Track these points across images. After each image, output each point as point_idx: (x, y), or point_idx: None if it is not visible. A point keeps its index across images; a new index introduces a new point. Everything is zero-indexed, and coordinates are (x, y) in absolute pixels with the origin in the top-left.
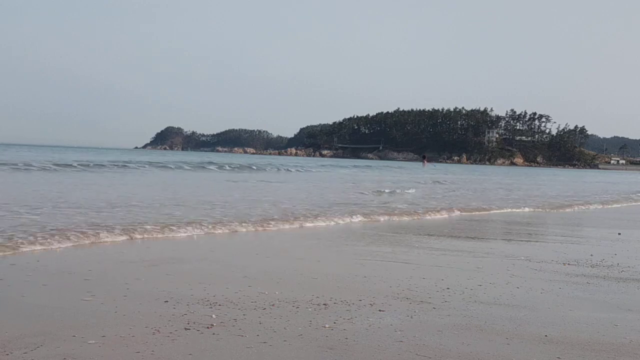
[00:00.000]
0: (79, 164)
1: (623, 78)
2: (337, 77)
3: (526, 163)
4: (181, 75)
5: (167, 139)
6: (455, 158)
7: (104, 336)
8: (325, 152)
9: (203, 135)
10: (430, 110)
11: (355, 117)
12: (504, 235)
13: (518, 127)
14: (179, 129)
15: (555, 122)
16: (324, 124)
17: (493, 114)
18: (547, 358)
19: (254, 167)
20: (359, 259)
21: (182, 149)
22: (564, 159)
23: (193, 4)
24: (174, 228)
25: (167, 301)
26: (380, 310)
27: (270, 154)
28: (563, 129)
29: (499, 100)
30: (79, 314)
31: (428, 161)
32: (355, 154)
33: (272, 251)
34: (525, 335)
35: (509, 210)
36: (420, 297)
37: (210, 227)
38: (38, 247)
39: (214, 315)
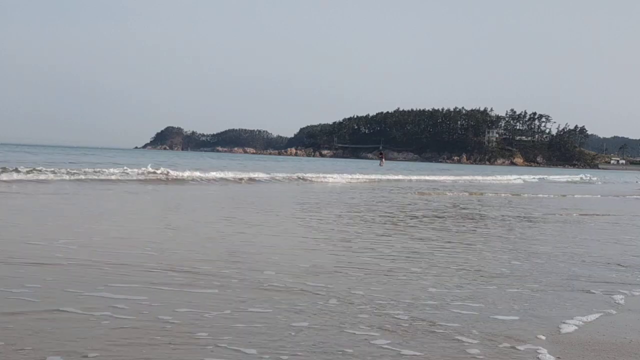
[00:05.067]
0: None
1: (623, 78)
2: (337, 77)
3: (526, 163)
4: (181, 76)
5: (167, 138)
6: (455, 158)
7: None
8: (325, 152)
9: (203, 135)
10: (430, 110)
11: (355, 117)
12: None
13: (518, 127)
14: (179, 128)
15: (555, 122)
16: (324, 124)
17: (493, 114)
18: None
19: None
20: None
21: (182, 149)
22: (563, 158)
23: (193, 5)
24: None
25: None
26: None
27: (270, 153)
28: (563, 129)
29: (499, 100)
30: None
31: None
32: (355, 153)
33: None
34: None
35: None
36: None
37: None
38: None
39: None
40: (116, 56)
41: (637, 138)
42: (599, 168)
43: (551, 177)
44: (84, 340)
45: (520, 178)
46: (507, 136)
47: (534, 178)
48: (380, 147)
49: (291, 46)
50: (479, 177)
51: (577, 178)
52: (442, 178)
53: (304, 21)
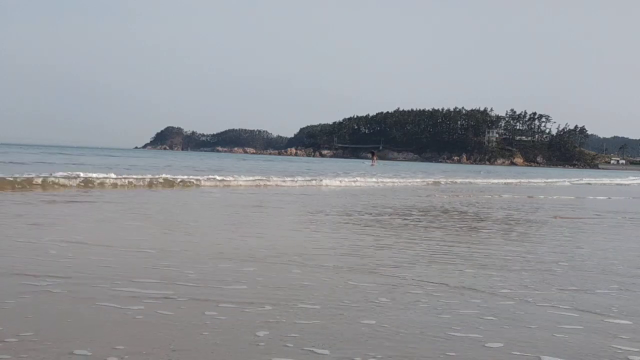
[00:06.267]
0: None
1: (623, 78)
2: (337, 77)
3: (526, 163)
4: (181, 76)
5: (167, 138)
6: (455, 158)
7: None
8: (325, 152)
9: (203, 135)
10: (430, 110)
11: (355, 117)
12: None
13: (518, 127)
14: (179, 128)
15: (555, 122)
16: (324, 124)
17: (493, 114)
18: None
19: None
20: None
21: (182, 149)
22: (563, 158)
23: (193, 5)
24: None
25: None
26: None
27: (270, 153)
28: (563, 129)
29: (499, 100)
30: None
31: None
32: (355, 153)
33: None
34: None
35: None
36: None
37: None
38: None
39: None
40: (116, 56)
41: (637, 138)
42: (599, 168)
43: (594, 180)
44: (113, 334)
45: (566, 180)
46: (507, 136)
47: (580, 180)
48: (380, 147)
49: (291, 46)
50: (527, 180)
51: (627, 181)
52: (491, 181)
53: (304, 21)
